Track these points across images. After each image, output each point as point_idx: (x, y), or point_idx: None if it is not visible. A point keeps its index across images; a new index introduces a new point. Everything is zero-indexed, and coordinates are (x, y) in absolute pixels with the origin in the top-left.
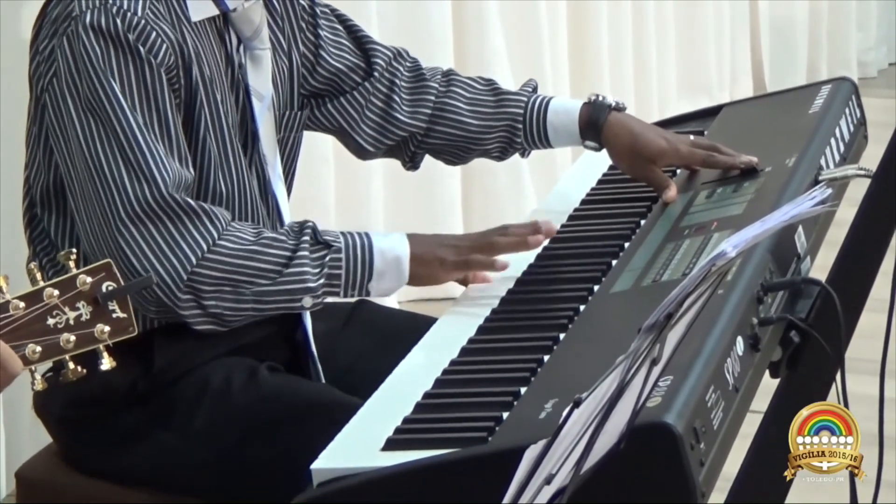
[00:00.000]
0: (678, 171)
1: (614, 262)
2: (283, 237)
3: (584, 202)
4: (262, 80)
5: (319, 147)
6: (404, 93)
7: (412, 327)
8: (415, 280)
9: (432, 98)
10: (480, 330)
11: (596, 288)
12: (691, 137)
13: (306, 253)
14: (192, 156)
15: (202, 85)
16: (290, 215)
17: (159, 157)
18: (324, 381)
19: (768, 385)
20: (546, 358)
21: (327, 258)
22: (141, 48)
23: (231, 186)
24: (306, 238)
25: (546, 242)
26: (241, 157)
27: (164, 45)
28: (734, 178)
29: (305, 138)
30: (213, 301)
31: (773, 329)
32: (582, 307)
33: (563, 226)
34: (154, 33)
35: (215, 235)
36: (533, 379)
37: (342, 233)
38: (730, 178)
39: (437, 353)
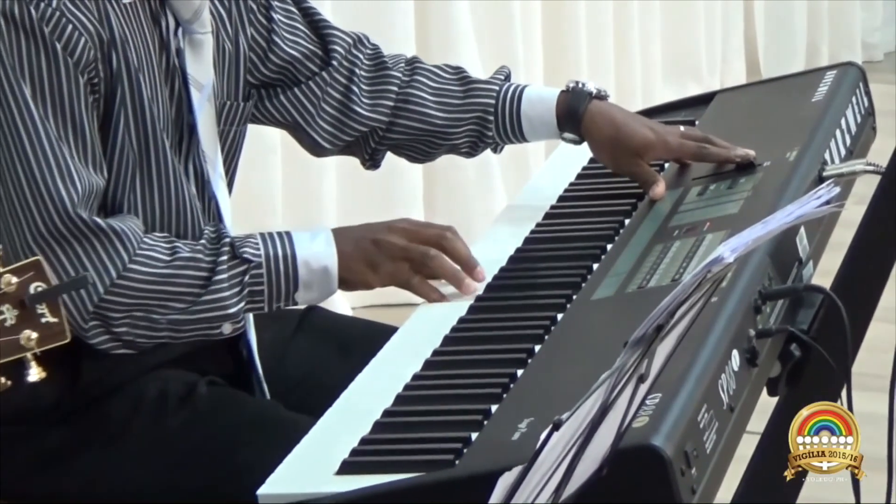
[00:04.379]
0: (667, 165)
1: (596, 266)
2: (199, 255)
3: (561, 199)
4: (202, 68)
5: (265, 136)
6: (364, 83)
7: (370, 337)
8: (345, 287)
9: (395, 89)
10: (447, 340)
11: (575, 295)
12: (681, 128)
13: (224, 276)
14: (108, 155)
15: (125, 75)
16: (231, 218)
17: (67, 171)
18: (269, 396)
19: (766, 404)
20: (520, 372)
21: (247, 277)
22: (56, 44)
23: (156, 188)
24: (224, 257)
25: (520, 244)
26: (171, 155)
27: (83, 40)
28: (729, 173)
29: (250, 126)
30: (123, 328)
31: (772, 342)
32: (560, 316)
33: (538, 225)
34: (70, 27)
35: (125, 259)
36: (505, 396)
37: (262, 238)
38: (724, 174)
39: (397, 365)
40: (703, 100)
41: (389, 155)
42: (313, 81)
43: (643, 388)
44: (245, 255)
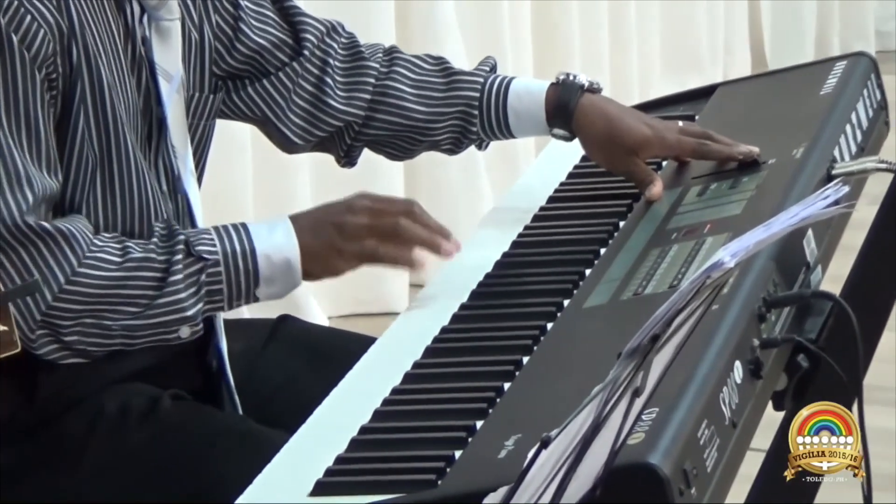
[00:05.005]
0: (664, 163)
1: (588, 272)
2: (151, 254)
3: (551, 200)
4: (170, 57)
5: (235, 132)
6: (339, 75)
7: (346, 348)
8: (310, 278)
9: (372, 81)
10: (428, 352)
11: (566, 302)
12: (680, 124)
13: (179, 276)
14: (66, 155)
15: (86, 68)
16: (202, 216)
17: (16, 176)
18: (241, 411)
19: (772, 419)
20: (506, 386)
21: (203, 276)
22: (13, 36)
23: (118, 189)
24: (178, 256)
25: (507, 248)
26: (135, 152)
27: (41, 32)
28: (731, 171)
29: (218, 122)
30: (74, 337)
31: (778, 352)
32: (550, 325)
33: (526, 227)
34: (29, 17)
35: (74, 263)
36: (491, 411)
37: (217, 233)
38: (726, 173)
39: (375, 379)
40: (704, 93)
41: (367, 152)
42: (283, 72)
43: (639, 402)
44: (201, 253)
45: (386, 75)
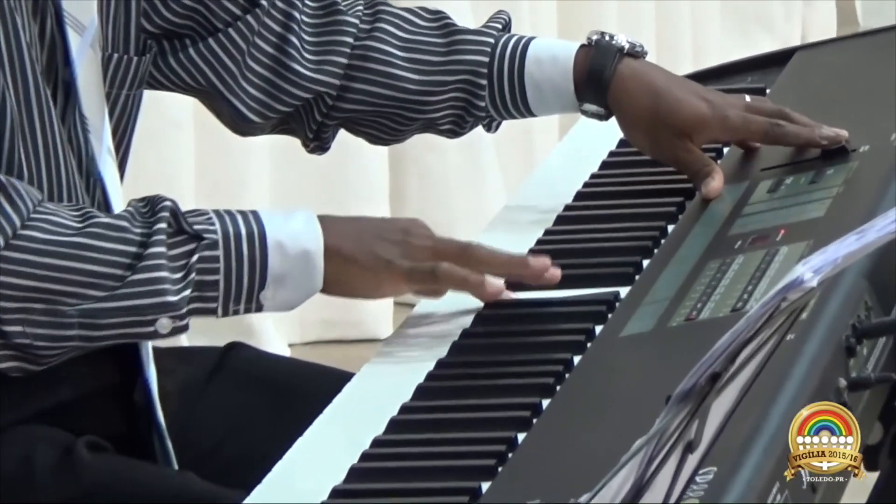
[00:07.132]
0: (726, 149)
1: (627, 291)
2: (124, 222)
3: (579, 197)
4: (82, 3)
5: (169, 106)
6: (307, 33)
7: (313, 385)
8: (336, 287)
9: (349, 41)
10: (420, 392)
11: (598, 329)
12: (746, 98)
13: (161, 249)
14: None
15: None
16: (122, 207)
17: None
18: (176, 465)
19: (864, 481)
20: (521, 437)
21: (195, 257)
22: None
23: (43, 162)
24: (161, 224)
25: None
26: (52, 117)
27: None
28: (812, 161)
29: (148, 93)
30: (17, 326)
31: (871, 395)
32: (577, 359)
33: (547, 232)
34: None
35: (16, 221)
36: (501, 469)
37: (217, 213)
38: (805, 163)
39: (352, 426)
40: (778, 59)
41: (343, 133)
42: (235, 29)
43: (692, 459)
44: (195, 229)
45: (368, 34)
